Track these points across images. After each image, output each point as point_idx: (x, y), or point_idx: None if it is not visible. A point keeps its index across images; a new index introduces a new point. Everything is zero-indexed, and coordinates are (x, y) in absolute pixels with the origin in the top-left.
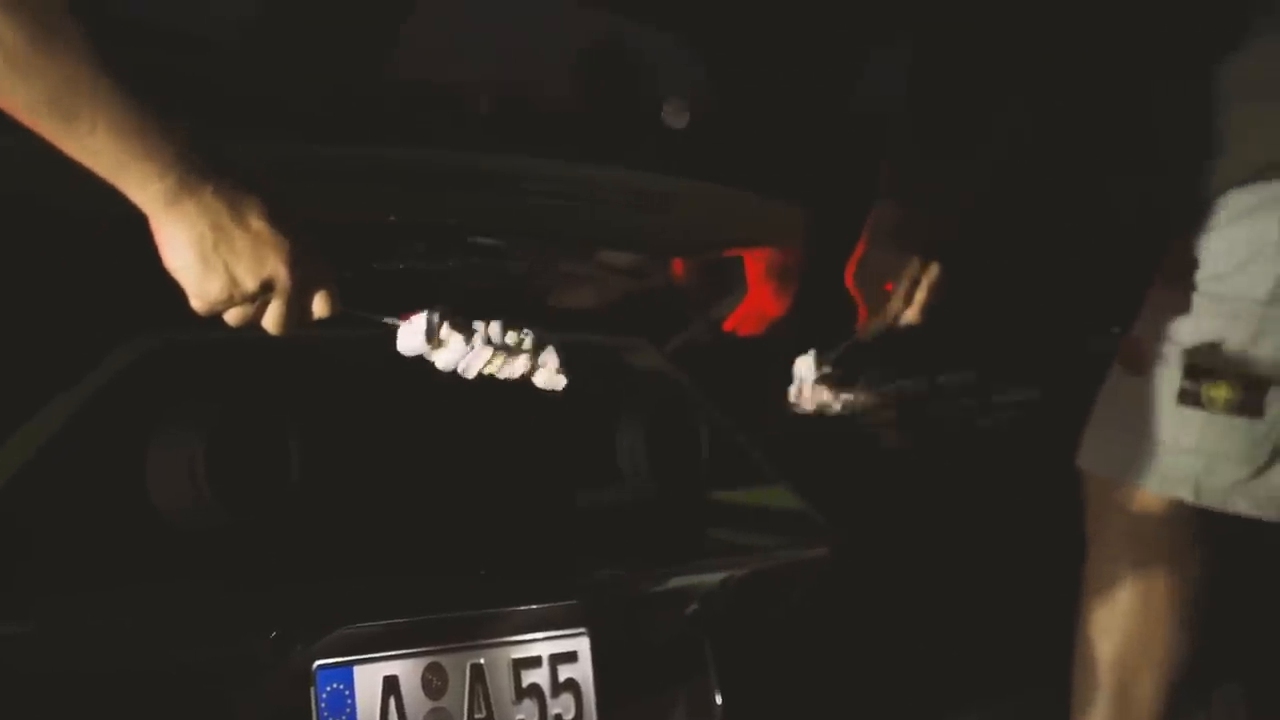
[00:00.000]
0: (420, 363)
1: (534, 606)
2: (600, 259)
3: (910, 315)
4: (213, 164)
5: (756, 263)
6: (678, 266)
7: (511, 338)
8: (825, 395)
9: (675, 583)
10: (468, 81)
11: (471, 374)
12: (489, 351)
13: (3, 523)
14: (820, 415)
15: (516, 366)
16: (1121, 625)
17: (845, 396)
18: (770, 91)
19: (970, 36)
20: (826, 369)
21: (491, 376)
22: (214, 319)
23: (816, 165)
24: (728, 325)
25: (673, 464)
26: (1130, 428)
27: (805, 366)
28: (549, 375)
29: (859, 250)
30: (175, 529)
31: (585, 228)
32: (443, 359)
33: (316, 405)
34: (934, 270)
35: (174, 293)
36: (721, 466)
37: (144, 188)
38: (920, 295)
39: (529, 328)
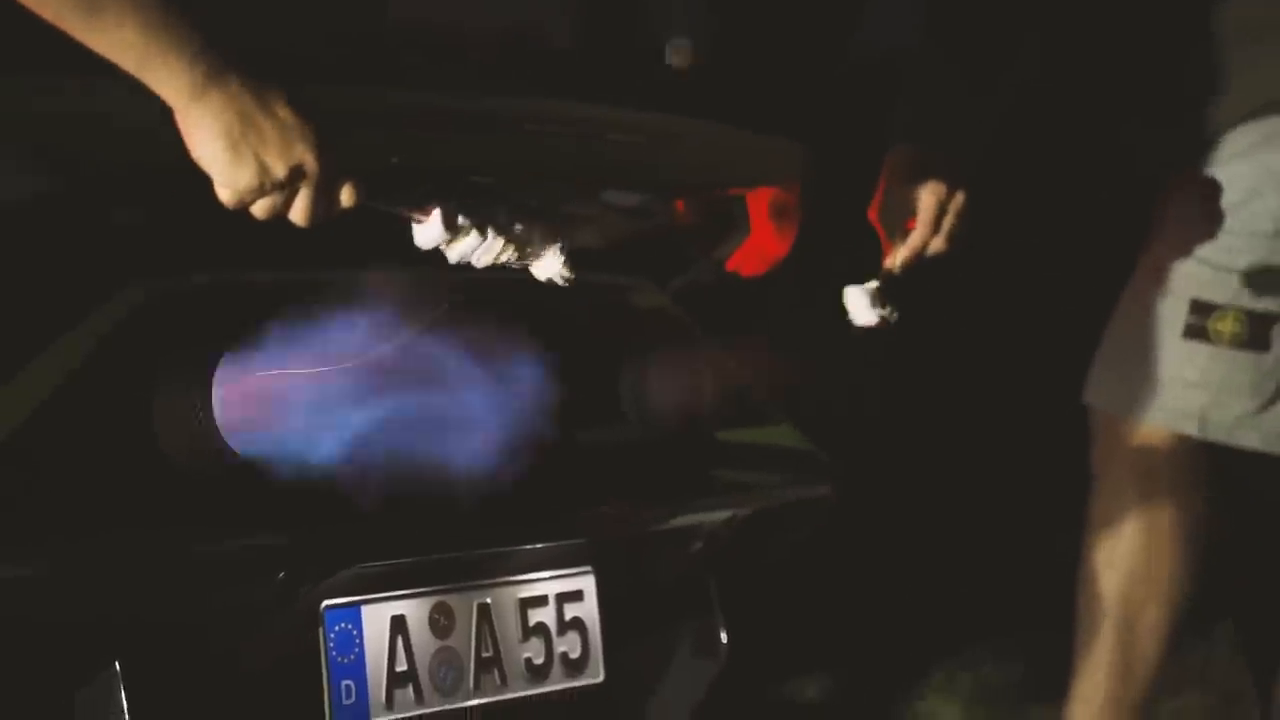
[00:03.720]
0: (421, 301)
1: (539, 545)
2: (603, 199)
3: (938, 244)
4: (236, 55)
5: (759, 201)
6: (680, 206)
7: (521, 226)
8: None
9: (680, 521)
10: (468, 21)
11: (482, 264)
12: (501, 242)
13: (9, 468)
14: (881, 326)
15: (527, 255)
16: (1126, 559)
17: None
18: (773, 28)
19: None
20: (873, 286)
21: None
22: (216, 263)
23: (819, 103)
24: (730, 264)
25: (676, 402)
26: (1136, 362)
27: (856, 295)
28: (555, 266)
29: (881, 187)
30: (182, 473)
31: (587, 167)
32: (456, 250)
33: (321, 347)
34: (959, 198)
35: (179, 239)
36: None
37: (171, 81)
38: (947, 223)
39: (536, 218)
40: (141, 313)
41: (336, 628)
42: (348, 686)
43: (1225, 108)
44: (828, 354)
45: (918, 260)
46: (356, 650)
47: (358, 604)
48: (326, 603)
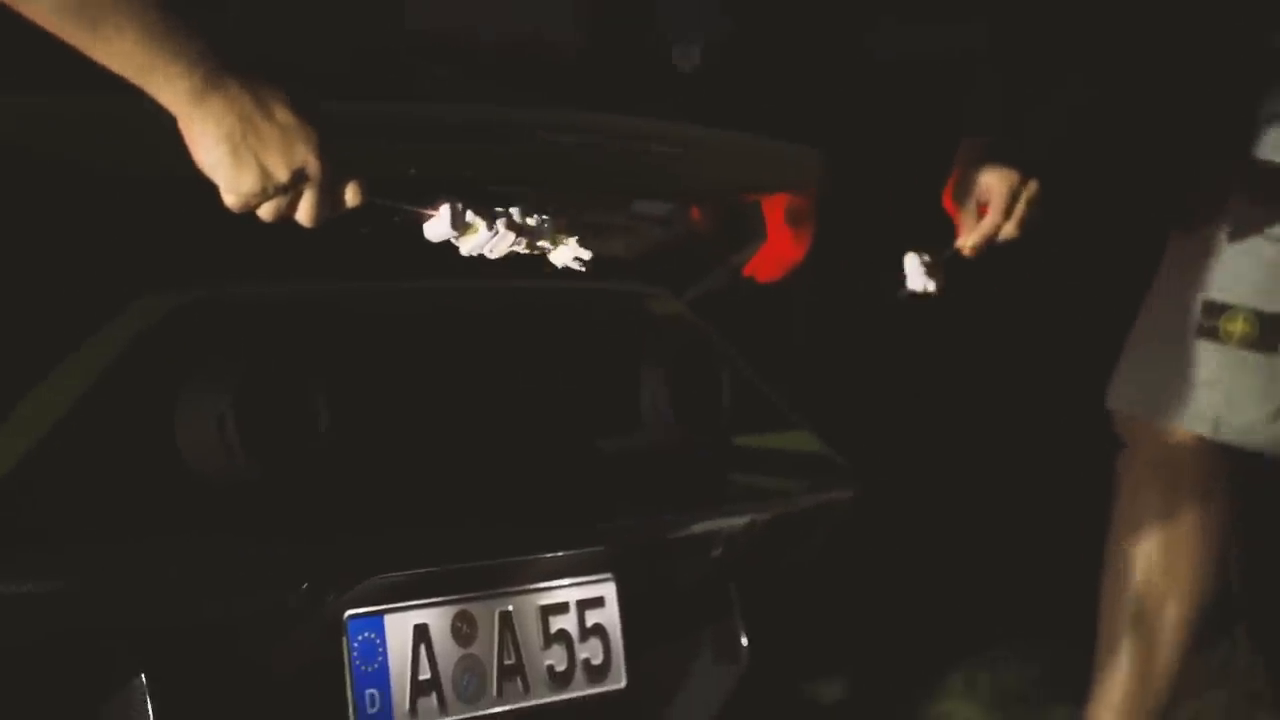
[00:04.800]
0: (442, 313)
1: (560, 553)
2: (619, 208)
3: (1009, 230)
4: (235, 60)
5: (774, 207)
6: (695, 213)
7: (533, 220)
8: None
9: (699, 527)
10: (476, 30)
11: (496, 255)
12: (512, 235)
13: (34, 481)
14: (924, 295)
15: (539, 245)
16: (1146, 558)
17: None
18: (787, 31)
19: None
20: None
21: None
22: (241, 273)
23: (834, 108)
24: (747, 270)
25: (695, 410)
26: (1155, 364)
27: (914, 261)
28: (571, 251)
29: (955, 173)
30: (206, 485)
31: (603, 176)
32: (467, 244)
33: (342, 358)
34: (1033, 186)
35: (203, 250)
36: (744, 412)
37: (171, 87)
38: (1020, 209)
39: (549, 212)
40: (164, 322)
41: (360, 637)
42: (372, 695)
43: (1263, 114)
44: (846, 356)
45: (988, 244)
46: (380, 659)
47: (381, 613)
48: (350, 612)
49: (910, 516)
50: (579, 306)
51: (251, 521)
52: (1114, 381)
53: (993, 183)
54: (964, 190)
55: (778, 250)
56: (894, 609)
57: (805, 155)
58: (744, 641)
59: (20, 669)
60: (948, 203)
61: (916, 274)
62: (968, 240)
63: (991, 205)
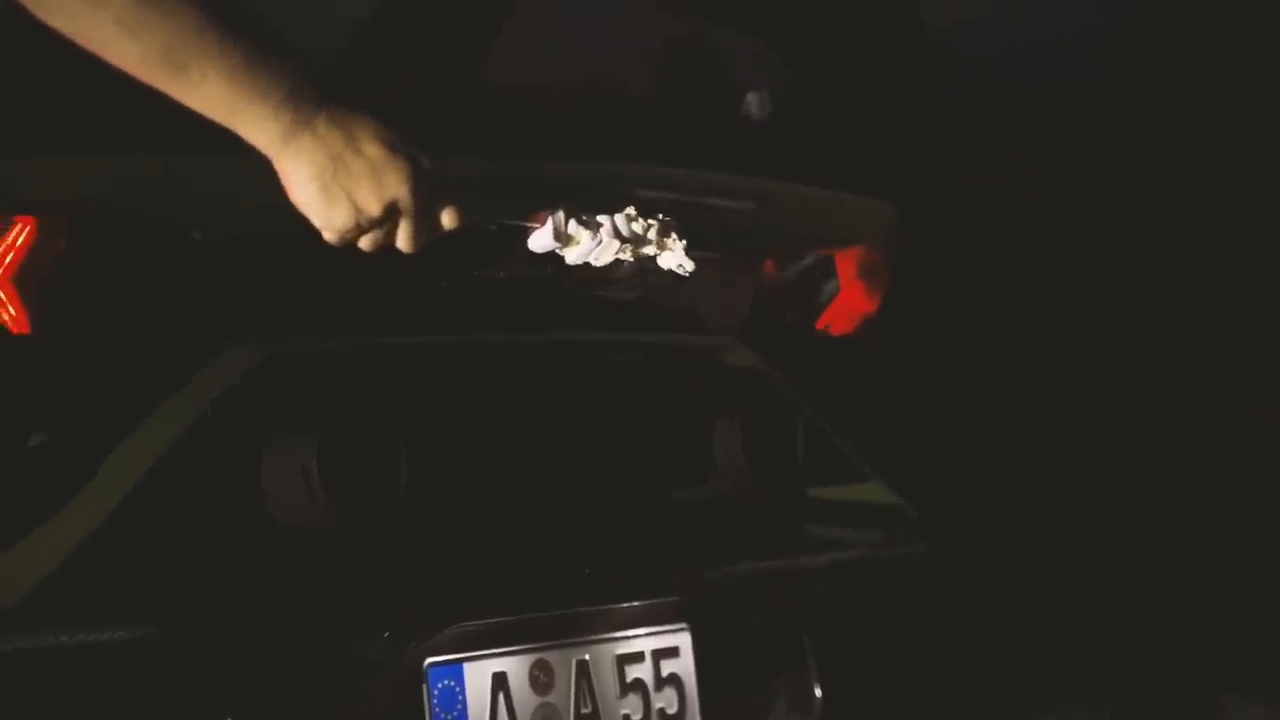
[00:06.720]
0: (520, 366)
1: (636, 603)
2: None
3: None
4: (322, 97)
5: (847, 261)
6: (769, 267)
7: (638, 226)
8: None
9: (774, 578)
10: (551, 87)
11: (601, 263)
12: (616, 243)
13: (124, 528)
14: None
15: (644, 252)
16: None
17: None
18: (856, 88)
19: None
20: None
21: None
22: (326, 329)
23: (905, 160)
24: (820, 323)
25: (769, 461)
26: None
27: None
28: (676, 257)
29: None
30: (290, 533)
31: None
32: (573, 254)
33: (423, 409)
34: None
35: (288, 303)
36: (817, 463)
37: (259, 129)
38: None
39: (654, 218)
40: (252, 374)
41: (440, 685)
42: None
43: None
44: (918, 411)
45: None
46: (459, 707)
47: (460, 661)
48: (430, 660)
49: (983, 568)
50: (655, 359)
51: (335, 570)
52: None
53: None
54: None
55: (851, 303)
56: (966, 662)
57: (878, 209)
58: (817, 693)
59: (111, 715)
60: None
61: None
62: None
63: None
